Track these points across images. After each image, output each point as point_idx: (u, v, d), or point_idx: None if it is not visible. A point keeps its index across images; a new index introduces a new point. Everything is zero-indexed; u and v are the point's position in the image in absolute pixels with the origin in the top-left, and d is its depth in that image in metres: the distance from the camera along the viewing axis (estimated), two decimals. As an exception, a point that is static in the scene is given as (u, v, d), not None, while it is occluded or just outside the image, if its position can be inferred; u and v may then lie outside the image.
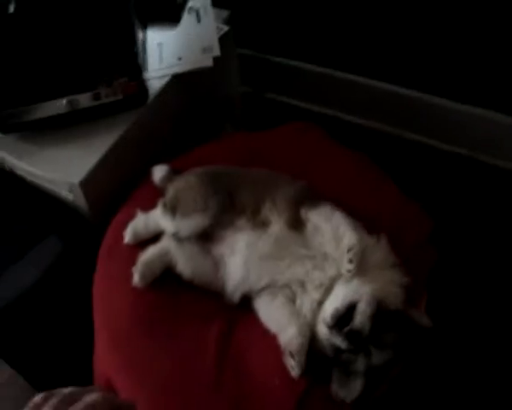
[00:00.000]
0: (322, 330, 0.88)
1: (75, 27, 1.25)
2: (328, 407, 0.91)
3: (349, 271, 0.88)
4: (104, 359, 1.03)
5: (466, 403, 1.31)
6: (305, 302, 0.93)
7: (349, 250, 0.88)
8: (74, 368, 1.16)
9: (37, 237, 1.19)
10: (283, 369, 0.91)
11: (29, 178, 1.28)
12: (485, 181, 1.70)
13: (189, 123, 1.49)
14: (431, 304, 1.04)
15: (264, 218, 0.99)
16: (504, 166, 1.70)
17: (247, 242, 0.98)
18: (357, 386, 0.88)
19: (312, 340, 0.91)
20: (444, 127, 1.75)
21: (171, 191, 1.07)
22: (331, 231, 0.93)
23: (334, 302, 0.87)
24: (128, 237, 1.09)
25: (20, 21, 1.29)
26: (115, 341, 1.02)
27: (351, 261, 0.88)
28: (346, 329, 0.84)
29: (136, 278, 1.02)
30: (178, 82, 1.37)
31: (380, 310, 0.86)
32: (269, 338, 0.96)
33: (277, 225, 0.97)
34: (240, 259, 0.98)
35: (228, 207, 1.02)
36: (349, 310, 0.85)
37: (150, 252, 1.05)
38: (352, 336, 0.84)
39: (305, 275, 0.93)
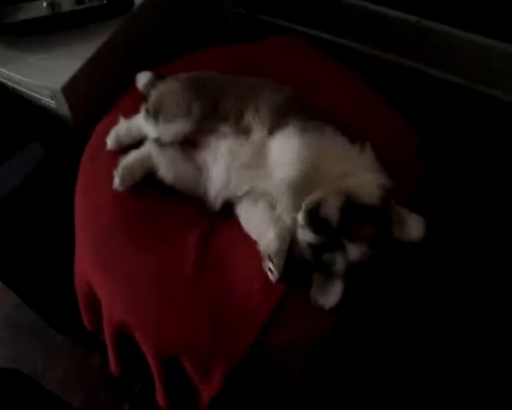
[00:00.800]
0: (299, 232, 0.88)
1: None
2: (306, 313, 0.92)
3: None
4: (84, 262, 1.04)
5: (451, 314, 1.33)
6: (284, 209, 0.93)
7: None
8: (57, 271, 1.17)
9: (19, 144, 1.16)
10: (262, 274, 0.91)
11: (11, 84, 1.25)
12: (482, 112, 1.67)
13: (177, 38, 1.45)
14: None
15: (247, 124, 0.97)
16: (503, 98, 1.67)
17: (229, 148, 0.97)
18: (336, 290, 0.88)
19: (293, 247, 0.91)
20: (444, 55, 1.69)
21: (153, 96, 1.05)
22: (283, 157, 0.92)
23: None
24: (110, 142, 1.08)
25: None
26: (94, 244, 1.02)
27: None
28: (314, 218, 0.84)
29: (116, 181, 1.01)
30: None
31: (350, 203, 0.85)
32: (249, 244, 0.96)
33: (259, 133, 0.96)
34: (222, 165, 0.97)
35: (211, 113, 1.00)
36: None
37: (132, 156, 1.03)
38: (320, 226, 0.84)
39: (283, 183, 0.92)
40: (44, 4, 1.18)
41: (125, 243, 1.00)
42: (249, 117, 0.97)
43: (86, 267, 1.03)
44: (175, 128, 1.00)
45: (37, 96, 1.22)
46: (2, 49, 1.23)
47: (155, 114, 1.01)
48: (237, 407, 1.03)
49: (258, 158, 0.95)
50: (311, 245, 0.88)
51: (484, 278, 1.42)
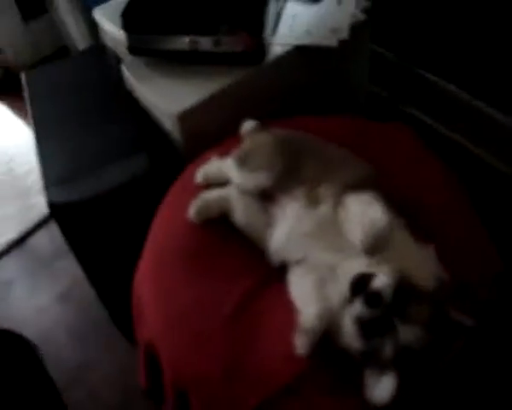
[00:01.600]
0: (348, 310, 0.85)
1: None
2: (323, 399, 0.89)
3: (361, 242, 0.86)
4: (142, 270, 1.11)
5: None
6: (334, 290, 0.91)
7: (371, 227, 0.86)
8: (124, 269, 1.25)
9: (131, 151, 1.29)
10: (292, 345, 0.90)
11: (141, 100, 1.40)
12: None
13: (303, 100, 1.50)
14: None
15: (320, 194, 0.98)
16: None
17: (296, 213, 0.99)
18: (387, 382, 0.82)
19: (338, 335, 0.88)
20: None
21: (246, 144, 1.11)
22: (359, 214, 0.90)
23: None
24: (199, 177, 1.15)
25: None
26: (154, 259, 1.09)
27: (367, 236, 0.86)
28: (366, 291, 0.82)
29: (191, 211, 1.07)
30: (300, 54, 1.39)
31: (404, 282, 0.82)
32: (291, 311, 0.95)
33: (326, 207, 0.96)
34: (286, 227, 0.99)
35: (291, 174, 1.03)
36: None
37: (213, 193, 1.10)
38: (373, 299, 0.81)
39: (337, 263, 0.91)
40: (187, 40, 1.31)
41: (181, 267, 1.06)
42: (323, 188, 0.98)
43: (142, 276, 1.10)
44: (256, 180, 1.05)
45: (159, 115, 1.35)
46: (145, 69, 1.39)
47: (241, 162, 1.07)
48: None
49: (319, 231, 0.95)
50: (359, 323, 0.83)
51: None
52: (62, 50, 2.39)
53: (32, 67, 2.34)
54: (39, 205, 1.90)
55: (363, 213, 0.91)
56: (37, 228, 1.91)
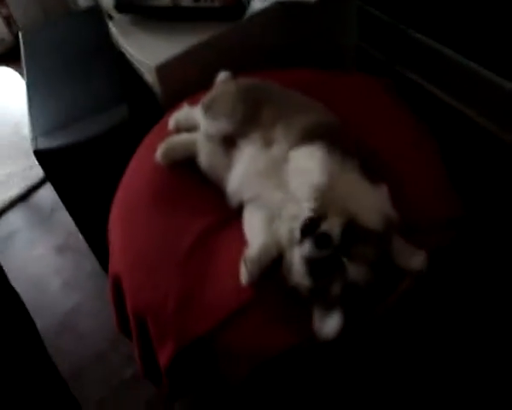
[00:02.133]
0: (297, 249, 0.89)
1: None
2: (264, 328, 0.94)
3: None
4: (114, 209, 1.17)
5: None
6: (281, 228, 0.94)
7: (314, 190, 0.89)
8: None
9: (113, 102, 1.35)
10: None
11: (127, 56, 1.45)
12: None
13: (289, 61, 1.52)
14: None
15: (275, 137, 1.02)
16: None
17: (251, 154, 1.03)
18: (334, 318, 0.86)
19: (288, 275, 0.92)
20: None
21: (212, 92, 1.15)
22: (299, 171, 0.94)
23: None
24: (171, 123, 1.20)
25: None
26: (123, 200, 1.16)
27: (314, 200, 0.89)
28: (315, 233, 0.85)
29: (158, 153, 1.13)
30: (281, 11, 1.42)
31: (352, 224, 0.85)
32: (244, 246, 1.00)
33: (279, 148, 1.00)
34: (241, 167, 1.03)
35: (252, 120, 1.06)
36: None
37: (179, 137, 1.15)
38: (322, 240, 0.85)
39: (283, 203, 0.95)
40: (168, -4, 1.35)
41: (146, 204, 1.11)
42: (279, 130, 1.02)
43: (113, 215, 1.16)
44: (218, 126, 1.09)
45: (142, 69, 1.40)
46: (129, 26, 1.45)
47: (206, 109, 1.11)
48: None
49: (273, 170, 0.99)
50: (308, 262, 0.87)
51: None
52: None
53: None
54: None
55: (303, 170, 0.94)
56: (40, 185, 1.99)
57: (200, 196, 1.12)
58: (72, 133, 1.32)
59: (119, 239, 1.11)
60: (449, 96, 1.77)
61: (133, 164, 1.22)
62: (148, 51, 1.35)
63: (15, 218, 1.94)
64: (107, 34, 1.54)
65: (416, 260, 0.91)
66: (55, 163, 1.34)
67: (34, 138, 1.32)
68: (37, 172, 2.00)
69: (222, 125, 1.08)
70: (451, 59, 1.72)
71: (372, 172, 0.98)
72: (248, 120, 1.06)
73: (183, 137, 1.15)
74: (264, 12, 1.40)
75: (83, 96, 1.40)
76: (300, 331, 0.92)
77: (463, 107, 1.74)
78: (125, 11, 1.44)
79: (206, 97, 1.14)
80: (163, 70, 1.31)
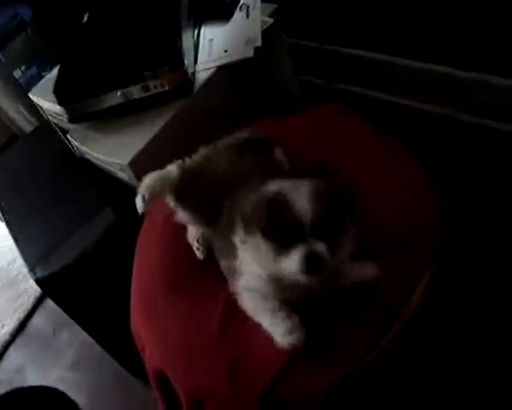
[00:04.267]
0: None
1: (129, 29, 1.44)
2: (314, 367, 0.98)
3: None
4: (132, 308, 1.19)
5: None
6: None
7: None
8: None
9: (96, 210, 1.38)
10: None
11: (94, 161, 1.49)
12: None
13: (242, 110, 1.59)
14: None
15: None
16: None
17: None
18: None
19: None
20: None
21: None
22: None
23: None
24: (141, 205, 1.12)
25: (88, 30, 1.51)
26: (141, 295, 1.18)
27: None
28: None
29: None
30: (225, 73, 1.49)
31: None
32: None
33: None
34: None
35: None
36: None
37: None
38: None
39: None
40: (119, 94, 1.40)
41: (161, 292, 1.14)
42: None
43: (134, 314, 1.18)
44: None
45: (113, 170, 1.44)
46: (88, 133, 1.49)
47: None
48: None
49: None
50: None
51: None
52: (13, 138, 2.47)
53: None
54: (29, 289, 1.98)
55: None
56: (34, 310, 1.97)
57: (211, 267, 1.15)
58: (66, 252, 1.33)
59: (149, 335, 1.13)
60: (397, 96, 1.89)
61: (137, 259, 1.25)
62: (116, 152, 1.39)
63: (19, 351, 1.91)
64: (65, 147, 1.57)
65: (368, 270, 0.97)
66: (58, 285, 1.35)
67: (32, 269, 1.33)
68: (27, 298, 1.99)
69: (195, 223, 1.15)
70: (385, 62, 1.85)
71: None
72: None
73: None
74: (209, 80, 1.47)
75: (65, 212, 1.43)
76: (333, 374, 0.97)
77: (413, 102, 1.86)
78: (80, 121, 1.48)
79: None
80: (136, 164, 1.36)
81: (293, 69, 1.77)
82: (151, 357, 1.12)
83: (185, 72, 1.40)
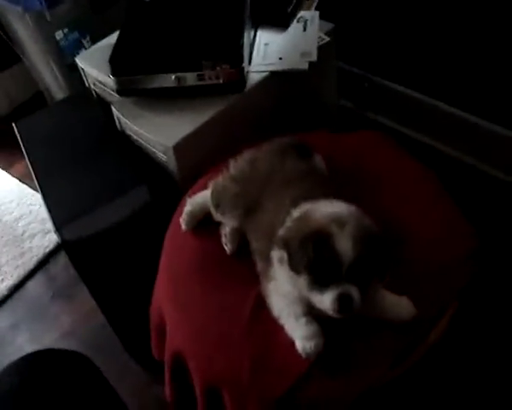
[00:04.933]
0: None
1: (193, 16, 1.47)
2: (338, 374, 1.01)
3: None
4: (160, 292, 1.21)
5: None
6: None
7: None
8: (140, 300, 1.34)
9: (131, 185, 1.39)
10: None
11: (135, 137, 1.50)
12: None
13: (284, 121, 1.63)
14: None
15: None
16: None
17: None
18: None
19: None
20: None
21: (216, 187, 1.22)
22: None
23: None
24: (185, 223, 1.25)
25: (151, 9, 1.53)
26: (171, 279, 1.20)
27: None
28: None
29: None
30: (276, 79, 1.53)
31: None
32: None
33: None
34: None
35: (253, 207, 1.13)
36: None
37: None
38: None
39: None
40: (173, 77, 1.42)
41: (196, 281, 1.16)
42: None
43: (161, 297, 1.20)
44: (226, 221, 1.19)
45: (154, 150, 1.45)
46: (135, 108, 1.50)
47: (215, 208, 1.20)
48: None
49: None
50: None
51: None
52: (37, 96, 2.47)
53: (8, 115, 2.43)
54: (34, 249, 1.97)
55: None
56: (35, 272, 1.96)
57: (245, 263, 1.17)
58: (96, 220, 1.34)
59: (175, 316, 1.15)
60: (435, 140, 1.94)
61: (169, 243, 1.26)
62: (162, 131, 1.41)
63: (14, 309, 1.90)
64: (103, 118, 1.58)
65: (404, 309, 1.02)
66: (82, 252, 1.35)
67: (58, 229, 1.33)
68: (29, 258, 1.98)
69: (230, 220, 1.18)
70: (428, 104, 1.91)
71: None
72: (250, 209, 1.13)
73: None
74: (261, 82, 1.50)
75: (98, 180, 1.43)
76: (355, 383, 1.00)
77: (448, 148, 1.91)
78: (128, 95, 1.49)
79: (214, 192, 1.21)
80: (180, 149, 1.38)
81: (337, 91, 1.82)
82: (173, 337, 1.14)
83: (242, 69, 1.43)
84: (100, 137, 1.56)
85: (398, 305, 1.03)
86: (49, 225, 1.36)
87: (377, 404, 1.06)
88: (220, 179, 1.22)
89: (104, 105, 1.64)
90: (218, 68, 1.41)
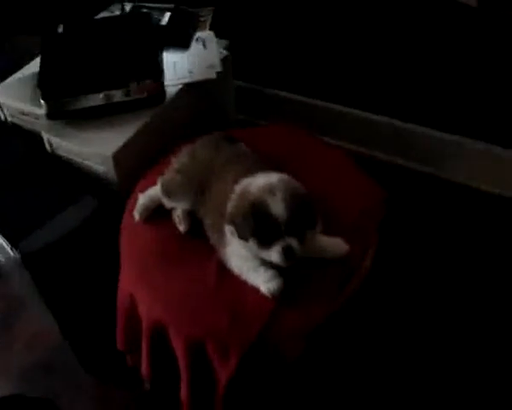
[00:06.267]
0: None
1: (113, 43, 1.65)
2: (300, 307, 1.23)
3: None
4: (129, 282, 1.35)
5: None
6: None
7: None
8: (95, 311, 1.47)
9: (77, 196, 1.51)
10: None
11: (68, 156, 1.62)
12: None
13: (197, 129, 1.82)
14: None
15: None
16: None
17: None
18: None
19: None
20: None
21: (165, 178, 1.41)
22: None
23: None
24: (138, 214, 1.42)
25: (67, 38, 1.68)
26: (138, 268, 1.35)
27: None
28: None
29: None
30: (189, 91, 1.74)
31: None
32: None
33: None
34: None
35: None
36: None
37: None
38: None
39: None
40: (101, 95, 1.58)
41: (162, 265, 1.33)
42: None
43: (129, 283, 1.34)
44: (179, 204, 1.39)
45: (89, 163, 1.59)
46: (65, 129, 1.62)
47: (166, 194, 1.39)
48: (247, 390, 1.30)
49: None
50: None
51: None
52: None
53: None
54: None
55: None
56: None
57: (198, 241, 1.35)
58: (52, 230, 1.44)
59: (148, 294, 1.29)
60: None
61: (126, 236, 1.42)
62: (98, 145, 1.54)
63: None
64: (27, 146, 1.69)
65: (339, 247, 1.28)
66: (42, 262, 1.44)
67: (15, 245, 1.41)
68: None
69: (182, 204, 1.38)
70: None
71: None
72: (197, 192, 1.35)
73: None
74: (177, 93, 1.71)
75: (42, 197, 1.53)
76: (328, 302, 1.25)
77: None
78: (59, 118, 1.61)
79: (163, 184, 1.40)
80: (118, 157, 1.53)
81: (234, 106, 2.08)
82: (151, 312, 1.29)
83: (162, 83, 1.63)
84: (28, 161, 1.65)
85: (334, 244, 1.29)
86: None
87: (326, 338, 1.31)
88: (166, 173, 1.41)
89: (24, 134, 1.73)
90: (141, 83, 1.59)
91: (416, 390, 1.62)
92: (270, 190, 1.16)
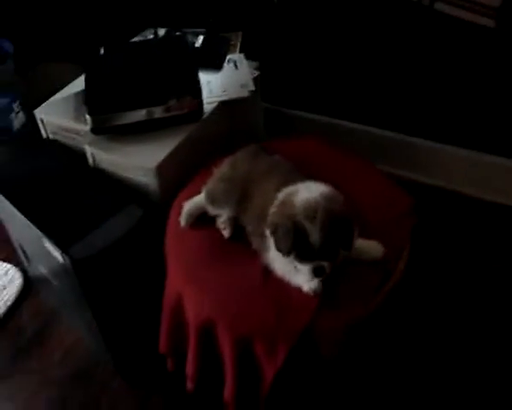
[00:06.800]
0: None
1: (153, 63, 1.76)
2: (341, 306, 1.31)
3: None
4: (177, 282, 1.42)
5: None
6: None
7: None
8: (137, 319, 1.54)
9: (121, 205, 1.59)
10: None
11: (110, 168, 1.71)
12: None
13: (231, 141, 1.92)
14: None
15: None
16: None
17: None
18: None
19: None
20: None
21: (209, 186, 1.50)
22: None
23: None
24: (184, 221, 1.51)
25: (110, 59, 1.79)
26: (186, 268, 1.42)
27: None
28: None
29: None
30: (223, 108, 1.84)
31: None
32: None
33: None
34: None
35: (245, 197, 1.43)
36: None
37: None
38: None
39: None
40: (144, 112, 1.68)
41: (209, 264, 1.40)
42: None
43: (179, 286, 1.41)
44: (223, 212, 1.47)
45: (131, 176, 1.67)
46: (109, 142, 1.71)
47: (211, 202, 1.48)
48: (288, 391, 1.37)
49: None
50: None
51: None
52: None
53: None
54: None
55: None
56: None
57: (241, 246, 1.43)
58: (100, 238, 1.51)
59: (197, 294, 1.37)
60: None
61: (172, 240, 1.50)
62: (141, 158, 1.64)
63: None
64: (70, 159, 1.78)
65: (375, 249, 1.36)
66: (93, 268, 1.51)
67: (66, 251, 1.47)
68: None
69: (225, 211, 1.46)
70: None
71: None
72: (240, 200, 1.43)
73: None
74: (212, 112, 1.81)
75: (87, 206, 1.60)
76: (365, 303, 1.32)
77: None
78: (102, 133, 1.70)
79: (208, 192, 1.49)
80: (160, 169, 1.62)
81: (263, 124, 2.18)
82: (199, 310, 1.36)
83: (201, 100, 1.73)
84: (73, 174, 1.74)
85: (371, 247, 1.36)
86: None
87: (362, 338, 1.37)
88: (210, 183, 1.50)
89: (65, 149, 1.83)
90: (181, 100, 1.69)
91: (449, 388, 1.67)
92: (312, 208, 1.22)
